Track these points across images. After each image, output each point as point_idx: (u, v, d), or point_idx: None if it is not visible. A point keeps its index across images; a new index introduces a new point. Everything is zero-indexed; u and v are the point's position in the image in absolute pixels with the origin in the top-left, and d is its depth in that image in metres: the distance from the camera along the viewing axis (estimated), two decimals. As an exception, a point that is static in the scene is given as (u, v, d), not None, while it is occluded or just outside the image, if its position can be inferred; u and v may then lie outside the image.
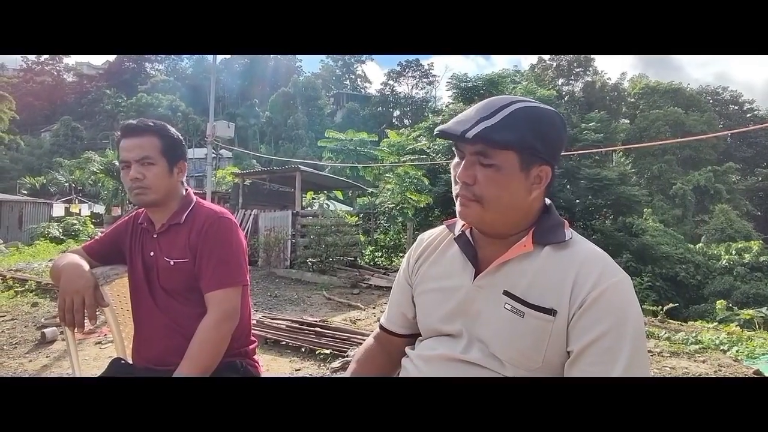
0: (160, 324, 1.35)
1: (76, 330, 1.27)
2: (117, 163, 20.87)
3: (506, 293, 0.86)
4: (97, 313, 1.30)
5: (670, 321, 5.41)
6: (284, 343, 3.90)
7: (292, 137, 41.22)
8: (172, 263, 1.33)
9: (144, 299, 1.38)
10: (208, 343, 1.25)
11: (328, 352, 3.71)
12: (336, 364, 3.51)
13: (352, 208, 12.57)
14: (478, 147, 0.81)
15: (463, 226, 0.95)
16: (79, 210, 22.13)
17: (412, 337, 1.07)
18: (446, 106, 21.87)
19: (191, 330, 1.27)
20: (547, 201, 0.92)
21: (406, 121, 46.06)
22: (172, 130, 1.39)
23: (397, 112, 50.83)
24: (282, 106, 44.55)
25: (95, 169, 21.39)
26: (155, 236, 1.37)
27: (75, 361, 1.50)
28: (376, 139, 19.12)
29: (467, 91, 16.89)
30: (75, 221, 16.55)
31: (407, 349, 1.05)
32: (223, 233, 1.35)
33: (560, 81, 40.03)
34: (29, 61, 54.02)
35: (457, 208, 0.88)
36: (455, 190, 0.88)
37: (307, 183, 10.73)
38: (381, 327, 1.12)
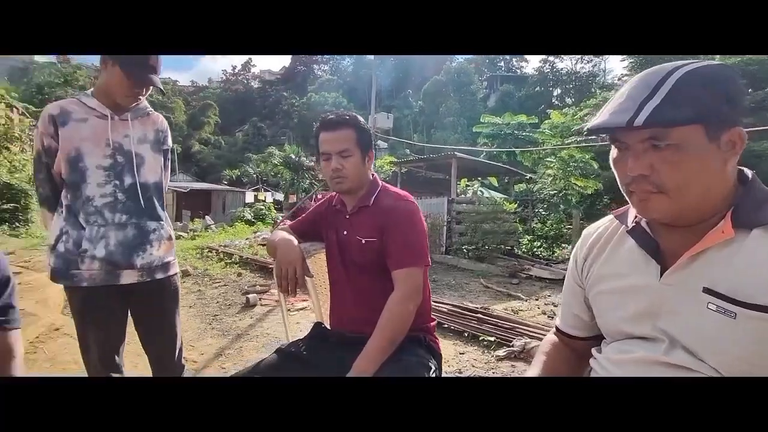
0: (353, 296, 1.47)
1: (288, 295, 1.45)
2: (293, 157, 23.98)
3: (707, 291, 0.72)
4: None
5: None
6: (446, 326, 3.96)
7: (444, 125, 41.45)
8: (363, 242, 1.43)
9: (339, 273, 1.51)
10: (396, 317, 1.32)
11: (491, 339, 3.65)
12: (501, 352, 3.43)
13: (506, 195, 12.09)
14: (648, 132, 0.70)
15: (636, 216, 0.82)
16: (264, 197, 25.94)
17: (594, 339, 0.97)
18: (619, 78, 19.30)
19: (378, 302, 1.36)
20: (747, 172, 0.75)
21: (568, 100, 42.17)
22: (363, 122, 1.48)
23: (557, 91, 46.84)
24: (434, 95, 45.03)
25: (276, 162, 24.78)
26: (347, 217, 1.49)
27: (285, 319, 1.83)
28: (536, 122, 17.89)
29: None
30: (262, 206, 19.48)
31: (593, 351, 0.95)
32: (408, 216, 1.42)
33: None
34: (227, 74, 65.03)
35: (635, 205, 0.77)
36: (626, 186, 0.76)
37: (462, 170, 10.63)
38: (557, 330, 1.05)
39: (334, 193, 1.56)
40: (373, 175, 1.52)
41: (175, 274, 1.79)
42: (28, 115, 14.36)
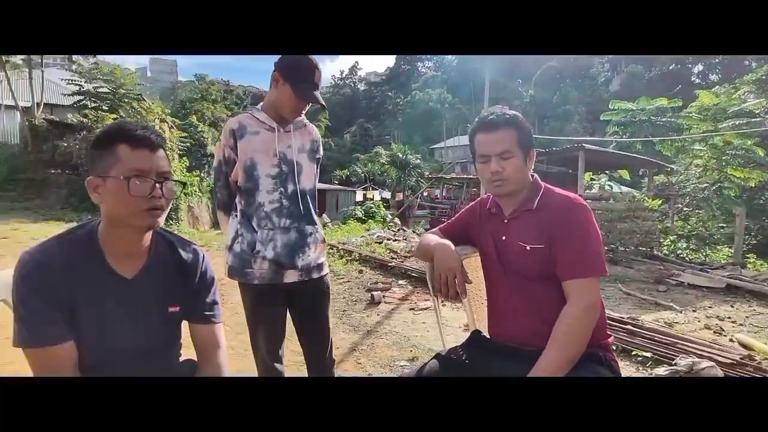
0: (518, 305, 1.38)
1: (449, 301, 1.40)
2: (400, 155, 24.43)
3: None
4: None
5: None
6: (591, 336, 3.57)
7: (558, 114, 38.78)
8: (527, 248, 1.34)
9: (499, 280, 1.43)
10: (574, 333, 1.23)
11: (648, 355, 3.20)
12: (662, 371, 2.96)
13: (637, 190, 10.75)
14: None
15: None
16: (373, 196, 26.75)
17: None
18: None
19: (550, 314, 1.28)
20: None
21: (712, 77, 36.60)
22: (524, 120, 1.40)
23: (698, 67, 40.94)
24: (547, 83, 42.35)
25: (383, 161, 25.38)
26: (505, 221, 1.41)
27: (441, 326, 1.89)
28: (679, 105, 15.57)
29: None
30: (372, 204, 20.06)
31: None
32: (581, 220, 1.32)
33: None
34: (336, 78, 68.47)
35: None
36: None
37: (590, 163, 9.71)
38: None
39: (485, 195, 1.51)
40: (533, 175, 1.43)
41: (326, 274, 1.87)
42: (176, 128, 16.48)
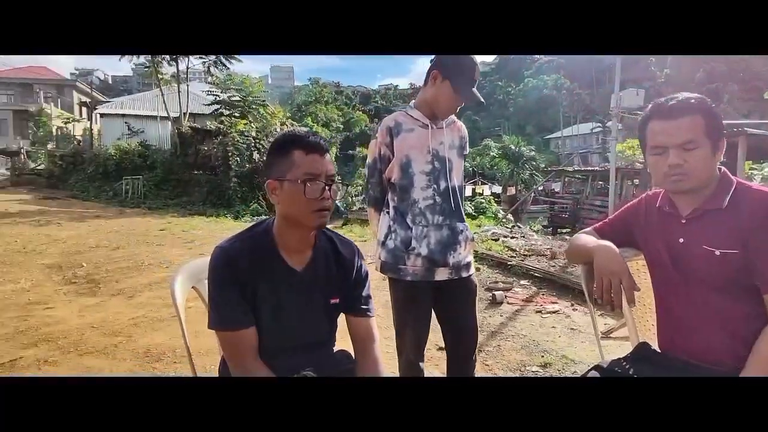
0: (700, 317, 1.23)
1: (608, 309, 1.26)
2: (513, 147, 23.32)
3: None
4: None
5: None
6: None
7: (702, 93, 33.62)
8: (717, 253, 1.18)
9: (674, 288, 1.28)
10: None
11: None
12: None
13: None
14: None
15: None
16: (482, 190, 25.99)
17: None
18: None
19: (740, 329, 1.16)
20: None
21: None
22: (713, 106, 1.22)
23: None
24: (688, 58, 37.00)
25: (494, 154, 24.49)
26: (683, 222, 1.26)
27: (599, 336, 1.70)
28: None
29: None
30: (482, 200, 19.47)
31: None
32: None
33: None
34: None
35: None
36: None
37: (753, 149, 8.14)
38: None
39: (651, 191, 1.39)
40: (721, 169, 1.25)
41: (473, 273, 1.84)
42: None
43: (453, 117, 1.82)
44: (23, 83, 32.12)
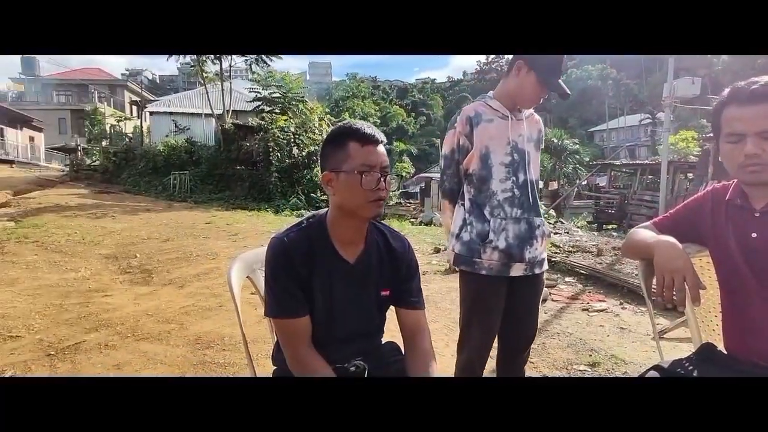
0: None
1: (669, 307, 1.20)
2: (555, 140, 22.52)
3: None
4: None
5: None
6: None
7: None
8: None
9: (746, 287, 1.20)
10: None
11: None
12: None
13: None
14: None
15: None
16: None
17: None
18: None
19: None
20: None
21: None
22: None
23: None
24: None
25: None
26: (757, 215, 1.19)
27: (656, 337, 1.81)
28: None
29: None
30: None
31: None
32: None
33: None
34: (481, 63, 66.63)
35: None
36: None
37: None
38: None
39: (717, 182, 1.32)
40: None
41: (545, 270, 1.80)
42: (331, 125, 17.97)
43: (531, 110, 1.79)
44: (79, 84, 34.11)
